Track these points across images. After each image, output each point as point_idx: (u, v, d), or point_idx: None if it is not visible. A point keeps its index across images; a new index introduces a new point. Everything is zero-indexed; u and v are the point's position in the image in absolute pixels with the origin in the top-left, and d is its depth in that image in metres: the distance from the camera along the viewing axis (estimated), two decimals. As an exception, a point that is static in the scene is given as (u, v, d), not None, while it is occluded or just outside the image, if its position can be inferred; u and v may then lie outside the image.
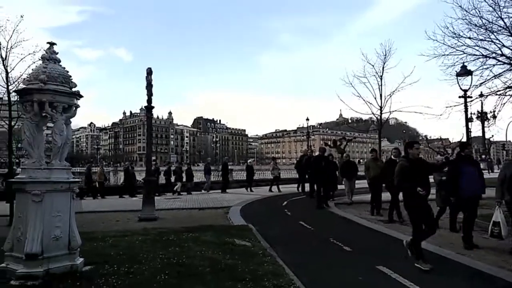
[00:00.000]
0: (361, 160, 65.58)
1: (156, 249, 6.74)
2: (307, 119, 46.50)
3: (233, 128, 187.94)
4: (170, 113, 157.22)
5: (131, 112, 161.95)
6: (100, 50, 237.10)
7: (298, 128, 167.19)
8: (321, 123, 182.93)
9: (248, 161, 23.50)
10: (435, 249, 7.02)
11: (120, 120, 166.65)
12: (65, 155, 5.75)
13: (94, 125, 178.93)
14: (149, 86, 12.00)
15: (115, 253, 6.38)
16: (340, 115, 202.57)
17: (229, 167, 27.25)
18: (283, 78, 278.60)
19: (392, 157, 10.90)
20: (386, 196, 11.36)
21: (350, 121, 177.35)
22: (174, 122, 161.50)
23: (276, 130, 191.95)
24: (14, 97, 10.81)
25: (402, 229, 9.21)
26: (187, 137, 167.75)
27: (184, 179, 21.76)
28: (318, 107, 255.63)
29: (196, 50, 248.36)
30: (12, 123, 11.41)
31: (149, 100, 12.09)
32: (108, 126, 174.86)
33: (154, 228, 9.37)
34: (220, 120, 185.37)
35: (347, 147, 32.94)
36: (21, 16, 10.52)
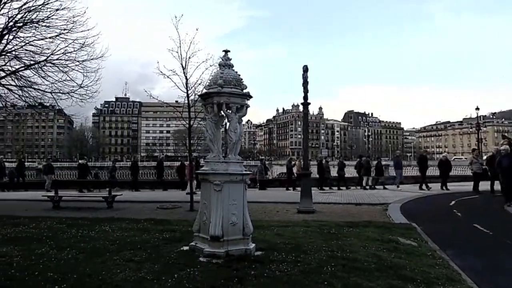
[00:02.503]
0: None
1: (319, 241, 6.93)
2: (477, 108, 40.95)
3: (386, 121, 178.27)
4: (320, 108, 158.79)
5: (283, 108, 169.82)
6: (255, 51, 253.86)
7: (464, 119, 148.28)
8: (495, 113, 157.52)
9: (442, 155, 21.41)
10: None
11: (274, 116, 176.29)
12: (238, 150, 6.43)
13: (251, 122, 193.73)
14: (305, 83, 12.33)
15: (281, 242, 6.82)
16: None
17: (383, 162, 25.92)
18: (441, 65, 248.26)
19: None
20: None
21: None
22: (324, 117, 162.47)
23: (436, 122, 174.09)
24: (191, 100, 12.47)
25: None
26: (337, 131, 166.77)
27: (373, 173, 21.38)
28: (489, 95, 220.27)
29: (344, 42, 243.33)
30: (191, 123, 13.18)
31: (305, 97, 12.41)
32: (263, 123, 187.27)
33: (314, 220, 9.67)
34: (372, 113, 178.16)
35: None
36: (196, 29, 12.02)
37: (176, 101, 14.46)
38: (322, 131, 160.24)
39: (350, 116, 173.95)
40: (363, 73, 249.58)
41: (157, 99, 14.53)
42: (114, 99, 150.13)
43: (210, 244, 5.84)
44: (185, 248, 6.30)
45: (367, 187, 20.40)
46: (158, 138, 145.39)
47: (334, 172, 22.57)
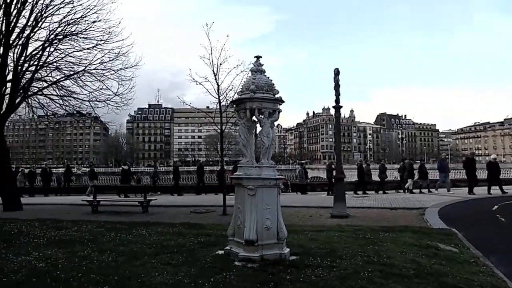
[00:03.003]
0: None
1: (354, 246, 6.82)
2: (519, 108, 38.99)
3: (420, 123, 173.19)
4: (351, 111, 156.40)
5: (314, 112, 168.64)
6: (283, 54, 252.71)
7: (505, 119, 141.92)
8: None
9: (491, 156, 20.16)
10: None
11: (304, 120, 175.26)
12: (271, 154, 6.44)
13: (281, 126, 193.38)
14: (336, 86, 12.19)
15: (315, 247, 6.75)
16: None
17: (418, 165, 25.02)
18: (480, 64, 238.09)
19: None
20: None
21: None
22: (356, 119, 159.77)
23: (475, 123, 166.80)
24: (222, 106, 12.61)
25: None
26: (370, 134, 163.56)
27: (416, 177, 20.63)
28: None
29: (377, 43, 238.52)
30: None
31: (337, 100, 12.26)
32: (293, 127, 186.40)
33: (348, 225, 9.51)
34: (405, 115, 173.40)
35: None
36: (227, 36, 12.18)
37: (207, 107, 14.67)
38: (354, 134, 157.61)
39: (383, 119, 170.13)
40: (396, 74, 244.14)
41: (189, 105, 14.81)
42: (147, 106, 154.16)
43: (245, 249, 5.86)
44: (220, 252, 6.36)
45: (407, 191, 19.81)
46: (190, 143, 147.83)
47: (375, 176, 22.15)
